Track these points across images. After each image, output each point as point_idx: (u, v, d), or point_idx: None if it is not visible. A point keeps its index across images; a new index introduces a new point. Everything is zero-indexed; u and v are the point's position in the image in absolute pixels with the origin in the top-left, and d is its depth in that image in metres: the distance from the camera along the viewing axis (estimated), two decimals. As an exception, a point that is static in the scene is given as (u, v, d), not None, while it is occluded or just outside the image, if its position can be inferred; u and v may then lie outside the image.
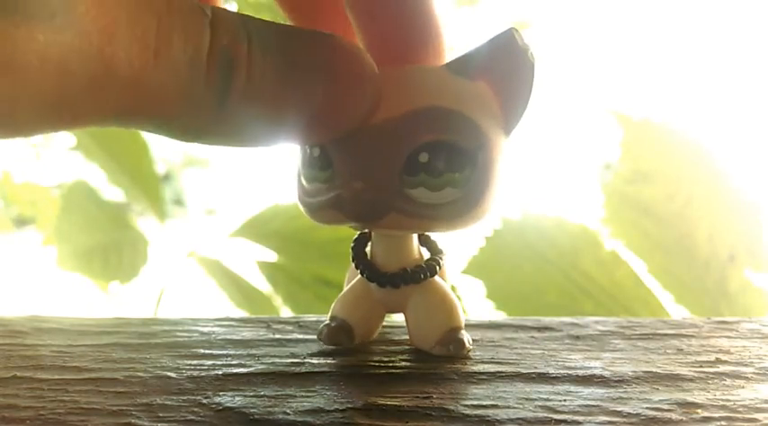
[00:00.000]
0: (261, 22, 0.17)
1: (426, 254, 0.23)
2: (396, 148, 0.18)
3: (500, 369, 0.21)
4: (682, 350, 0.23)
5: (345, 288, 0.23)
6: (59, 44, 0.14)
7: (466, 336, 0.22)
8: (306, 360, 0.22)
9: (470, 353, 0.22)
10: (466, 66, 0.19)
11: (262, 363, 0.21)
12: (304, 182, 0.20)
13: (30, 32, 0.13)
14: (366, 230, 0.22)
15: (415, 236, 0.22)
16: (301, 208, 0.21)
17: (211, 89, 0.16)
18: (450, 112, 0.18)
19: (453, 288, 0.23)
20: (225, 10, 0.16)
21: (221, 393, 0.19)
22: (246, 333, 0.24)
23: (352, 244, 0.23)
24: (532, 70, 0.19)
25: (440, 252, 0.22)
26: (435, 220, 0.19)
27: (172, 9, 0.15)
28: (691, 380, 0.20)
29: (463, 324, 0.22)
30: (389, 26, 0.20)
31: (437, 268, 0.22)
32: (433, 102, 0.18)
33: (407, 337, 0.23)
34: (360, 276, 0.22)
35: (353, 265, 0.22)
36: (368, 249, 0.22)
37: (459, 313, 0.22)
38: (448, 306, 0.22)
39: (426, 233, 0.22)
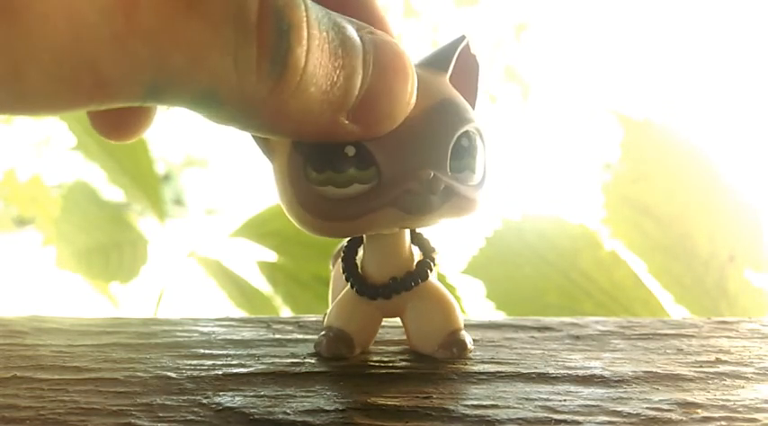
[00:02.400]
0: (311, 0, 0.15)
1: (417, 254, 0.22)
2: (445, 136, 0.19)
3: (500, 369, 0.21)
4: (682, 350, 0.23)
5: (339, 296, 0.22)
6: None
7: (467, 337, 0.22)
8: (306, 360, 0.22)
9: (470, 353, 0.22)
10: (434, 63, 0.20)
11: (262, 363, 0.21)
12: (331, 190, 0.18)
13: None
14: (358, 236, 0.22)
15: (407, 237, 0.22)
16: (318, 221, 0.19)
17: (266, 57, 0.14)
18: (461, 101, 0.20)
19: (451, 289, 0.23)
20: None
21: (221, 393, 0.19)
22: (246, 333, 0.24)
23: (342, 253, 0.22)
24: (478, 69, 0.21)
25: (432, 250, 0.22)
26: (474, 200, 0.19)
27: None
28: (691, 380, 0.20)
29: (462, 325, 0.22)
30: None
31: (428, 272, 0.21)
32: (448, 93, 0.20)
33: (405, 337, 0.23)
34: None
35: (337, 270, 0.22)
36: (359, 256, 0.22)
37: (458, 314, 0.22)
38: (447, 308, 0.22)
39: (420, 229, 0.22)
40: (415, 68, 0.19)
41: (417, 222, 0.20)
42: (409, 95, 0.17)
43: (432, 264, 0.22)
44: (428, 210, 0.19)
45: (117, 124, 0.20)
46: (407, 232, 0.22)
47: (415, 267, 0.21)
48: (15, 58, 0.12)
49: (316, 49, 0.15)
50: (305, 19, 0.15)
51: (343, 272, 0.22)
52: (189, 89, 0.14)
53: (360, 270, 0.22)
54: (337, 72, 0.16)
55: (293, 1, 0.15)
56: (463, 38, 0.21)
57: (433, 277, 0.22)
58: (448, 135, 0.19)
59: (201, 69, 0.14)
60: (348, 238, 0.22)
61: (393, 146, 0.18)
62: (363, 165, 0.18)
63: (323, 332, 0.22)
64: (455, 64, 0.20)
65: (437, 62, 0.20)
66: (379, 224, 0.19)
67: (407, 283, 0.21)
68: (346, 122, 0.17)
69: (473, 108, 0.21)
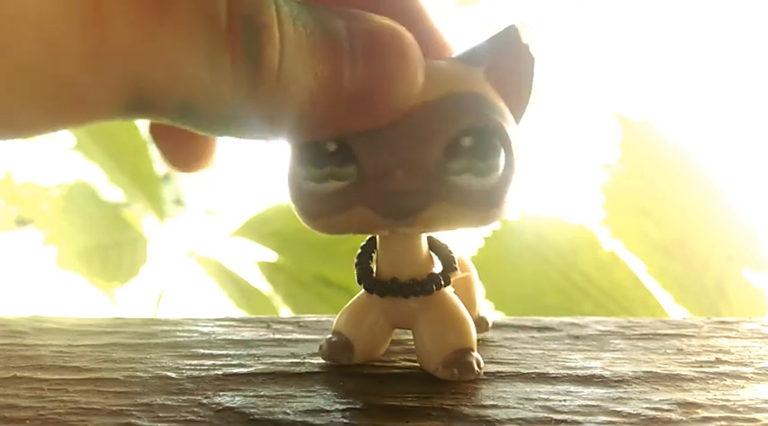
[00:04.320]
0: None
1: (437, 264, 0.21)
2: (437, 133, 0.17)
3: (500, 369, 0.21)
4: (682, 350, 0.23)
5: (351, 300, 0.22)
6: (38, 6, 0.12)
7: (476, 358, 0.20)
8: (306, 360, 0.22)
9: (479, 376, 0.20)
10: (472, 56, 0.19)
11: (262, 363, 0.21)
12: (311, 185, 0.18)
13: None
14: (375, 236, 0.21)
15: (424, 243, 0.20)
16: (304, 217, 0.19)
17: (239, 62, 0.14)
18: (482, 97, 0.18)
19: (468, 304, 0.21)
20: None
21: (221, 393, 0.19)
22: (246, 333, 0.24)
23: (359, 249, 0.21)
24: (533, 67, 0.19)
25: (451, 269, 0.20)
26: (477, 210, 0.18)
27: None
28: (691, 380, 0.20)
29: (474, 345, 0.20)
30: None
31: (433, 287, 0.20)
32: (465, 87, 0.18)
33: (408, 337, 0.23)
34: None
35: None
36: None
37: (471, 332, 0.20)
38: (457, 323, 0.20)
39: (437, 236, 0.21)
40: (437, 61, 0.18)
41: (399, 227, 0.18)
42: (410, 80, 0.16)
43: (442, 282, 0.20)
44: (404, 214, 0.17)
45: (186, 157, 0.21)
46: (423, 237, 0.20)
47: (425, 277, 0.20)
48: None
49: (291, 47, 0.15)
50: (275, 18, 0.14)
51: (356, 266, 0.21)
52: (168, 102, 0.14)
53: (374, 265, 0.21)
54: (321, 66, 0.15)
55: (262, 2, 0.14)
56: (512, 28, 0.19)
57: (450, 291, 0.20)
58: (443, 132, 0.17)
59: (177, 80, 0.14)
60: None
61: (376, 143, 0.17)
62: (343, 162, 0.17)
63: (329, 336, 0.22)
64: (499, 57, 0.19)
65: (472, 55, 0.19)
66: (353, 224, 0.18)
67: (406, 290, 0.20)
68: (345, 116, 0.16)
69: (523, 106, 0.19)
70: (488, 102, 0.18)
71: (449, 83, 0.18)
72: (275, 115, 0.15)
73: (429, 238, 0.21)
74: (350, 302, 0.22)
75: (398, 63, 0.16)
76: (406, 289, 0.20)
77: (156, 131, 0.21)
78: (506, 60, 0.19)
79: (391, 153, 0.17)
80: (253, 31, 0.14)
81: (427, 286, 0.20)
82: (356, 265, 0.21)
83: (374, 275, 0.20)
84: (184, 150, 0.21)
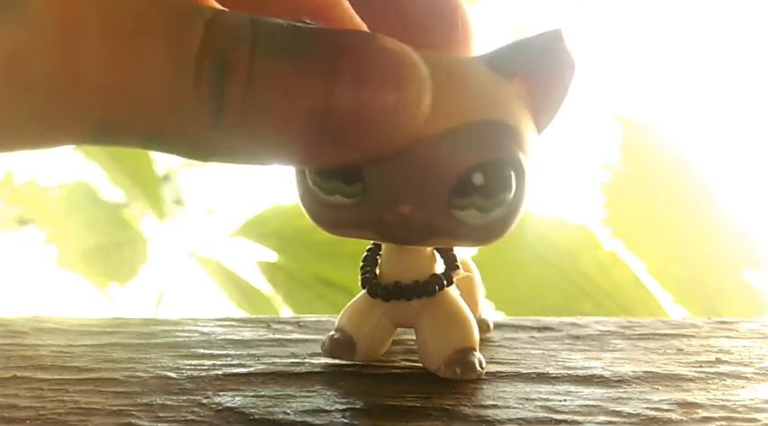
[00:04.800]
0: (277, 23, 0.15)
1: (441, 263, 0.21)
2: (447, 169, 0.16)
3: (500, 369, 0.21)
4: (682, 350, 0.23)
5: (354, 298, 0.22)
6: (11, 40, 0.12)
7: (478, 358, 0.20)
8: (306, 360, 0.22)
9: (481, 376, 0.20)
10: (504, 63, 0.17)
11: (262, 363, 0.21)
12: (319, 192, 0.18)
13: None
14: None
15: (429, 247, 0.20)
16: (311, 217, 0.19)
17: (203, 96, 0.14)
18: (502, 127, 0.17)
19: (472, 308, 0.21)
20: (232, 12, 0.14)
21: (221, 393, 0.19)
22: (246, 333, 0.24)
23: (365, 253, 0.21)
24: (572, 73, 0.18)
25: (454, 268, 0.20)
26: (477, 240, 0.18)
27: (155, 5, 0.13)
28: (691, 380, 0.20)
29: (477, 345, 0.20)
30: (405, 8, 0.18)
31: (436, 288, 0.20)
32: (484, 114, 0.17)
33: (408, 336, 0.23)
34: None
35: None
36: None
37: (473, 332, 0.20)
38: (459, 323, 0.20)
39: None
40: (462, 65, 0.17)
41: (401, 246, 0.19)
42: (410, 111, 0.15)
43: (445, 282, 0.20)
44: (405, 242, 0.18)
45: None
46: None
47: (427, 278, 0.20)
48: None
49: (262, 84, 0.14)
50: (248, 52, 0.14)
51: (361, 261, 0.21)
52: (133, 132, 0.14)
53: (379, 267, 0.21)
54: (299, 100, 0.14)
55: (238, 35, 0.14)
56: (557, 32, 0.17)
57: (453, 290, 0.20)
58: (453, 168, 0.16)
59: (143, 114, 0.14)
60: None
61: (385, 169, 0.16)
62: (349, 179, 0.17)
63: (331, 333, 0.21)
64: (536, 64, 0.17)
65: (503, 59, 0.17)
66: (357, 236, 0.18)
67: (409, 292, 0.20)
68: (334, 146, 0.15)
69: (551, 116, 0.18)
70: (511, 132, 0.17)
71: (469, 108, 0.16)
72: (242, 149, 0.15)
73: None
74: (352, 300, 0.21)
75: (394, 93, 0.15)
76: (408, 292, 0.20)
77: None
78: (544, 69, 0.17)
79: (398, 185, 0.17)
80: (219, 67, 0.14)
81: (430, 287, 0.20)
82: (361, 268, 0.21)
83: (377, 279, 0.20)
84: None
